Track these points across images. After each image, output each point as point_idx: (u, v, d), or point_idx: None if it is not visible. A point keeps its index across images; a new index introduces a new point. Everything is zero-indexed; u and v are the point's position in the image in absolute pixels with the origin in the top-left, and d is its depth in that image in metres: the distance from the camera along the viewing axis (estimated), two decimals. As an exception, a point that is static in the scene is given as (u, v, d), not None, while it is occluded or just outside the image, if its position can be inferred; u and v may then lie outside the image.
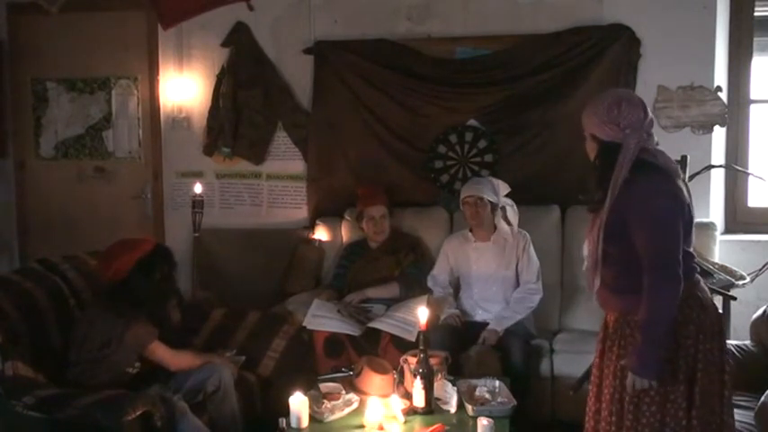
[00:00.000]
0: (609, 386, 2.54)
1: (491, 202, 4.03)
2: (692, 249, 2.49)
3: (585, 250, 2.59)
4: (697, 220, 4.23)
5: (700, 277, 2.52)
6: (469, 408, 3.08)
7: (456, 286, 4.21)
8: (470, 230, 4.15)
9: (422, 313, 3.21)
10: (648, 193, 2.36)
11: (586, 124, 2.51)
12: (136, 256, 3.30)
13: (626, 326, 2.50)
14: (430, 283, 4.22)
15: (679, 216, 2.38)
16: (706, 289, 2.54)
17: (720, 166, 4.48)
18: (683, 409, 2.42)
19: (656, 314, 2.35)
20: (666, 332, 2.36)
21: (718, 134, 4.51)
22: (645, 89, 4.47)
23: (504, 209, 4.06)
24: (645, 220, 2.36)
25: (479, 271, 4.08)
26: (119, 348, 3.19)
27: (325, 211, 4.86)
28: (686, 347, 2.42)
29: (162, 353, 3.31)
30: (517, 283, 4.05)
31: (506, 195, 4.10)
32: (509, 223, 4.07)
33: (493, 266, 4.06)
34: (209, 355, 3.56)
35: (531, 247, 4.04)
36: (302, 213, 4.98)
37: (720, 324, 2.53)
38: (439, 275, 4.21)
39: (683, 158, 3.98)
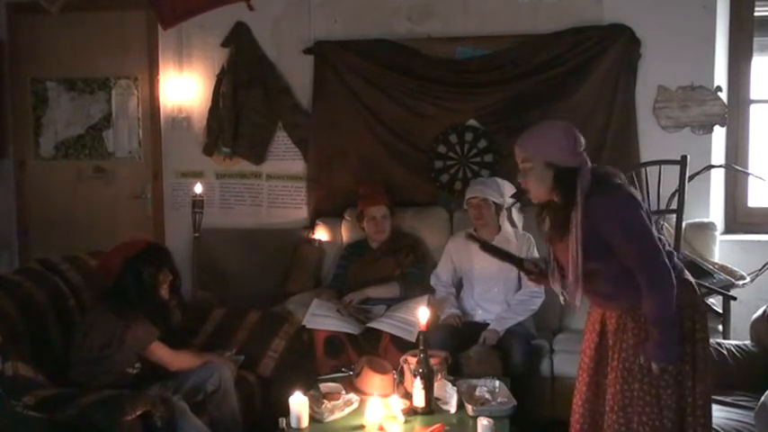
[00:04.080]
0: (616, 380, 2.61)
1: (495, 203, 4.03)
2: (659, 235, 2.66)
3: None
4: (697, 220, 4.33)
5: (681, 264, 2.66)
6: (469, 408, 3.08)
7: (458, 285, 4.21)
8: (474, 230, 4.15)
9: (422, 313, 3.21)
10: (615, 206, 2.53)
11: (542, 153, 2.60)
12: (124, 256, 3.30)
13: (630, 320, 2.60)
14: (433, 281, 4.22)
15: (645, 216, 2.56)
16: (689, 273, 2.68)
17: (720, 166, 4.48)
18: (688, 387, 2.56)
19: (662, 308, 2.49)
20: (675, 318, 2.51)
21: (718, 134, 4.50)
22: (645, 89, 4.47)
23: (509, 210, 4.05)
24: (621, 231, 2.52)
25: (481, 271, 4.08)
26: (119, 349, 3.19)
27: (325, 211, 4.86)
28: (686, 329, 2.56)
29: (162, 353, 3.31)
30: (519, 285, 4.04)
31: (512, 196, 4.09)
32: (514, 224, 4.06)
33: (495, 267, 4.03)
34: (208, 354, 3.55)
35: (535, 250, 4.03)
36: (302, 213, 4.98)
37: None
38: (442, 274, 4.21)
39: (684, 158, 3.98)
